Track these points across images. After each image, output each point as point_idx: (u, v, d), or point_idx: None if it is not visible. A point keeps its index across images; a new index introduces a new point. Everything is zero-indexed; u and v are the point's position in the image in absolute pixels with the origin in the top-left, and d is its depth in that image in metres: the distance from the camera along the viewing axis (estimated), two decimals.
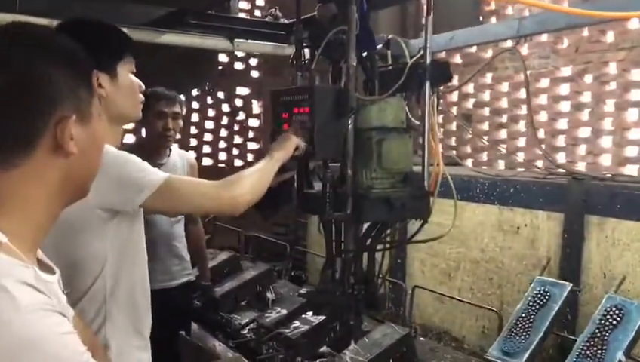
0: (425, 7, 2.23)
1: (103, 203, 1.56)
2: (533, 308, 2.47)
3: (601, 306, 2.31)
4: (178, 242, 3.23)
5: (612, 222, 2.77)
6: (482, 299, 3.41)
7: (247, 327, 3.38)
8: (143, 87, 1.76)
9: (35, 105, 0.90)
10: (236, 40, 3.73)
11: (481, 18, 5.83)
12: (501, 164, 5.81)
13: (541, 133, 5.35)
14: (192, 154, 3.51)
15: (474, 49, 5.97)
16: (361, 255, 2.32)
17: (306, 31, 2.37)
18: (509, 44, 5.48)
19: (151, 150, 3.17)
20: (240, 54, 7.40)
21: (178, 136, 3.20)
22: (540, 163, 4.77)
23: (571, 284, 2.52)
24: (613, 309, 2.23)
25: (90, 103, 0.99)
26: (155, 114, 3.11)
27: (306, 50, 2.38)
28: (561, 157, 5.13)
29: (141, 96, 1.78)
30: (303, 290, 3.36)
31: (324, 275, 2.43)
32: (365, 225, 2.34)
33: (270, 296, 3.71)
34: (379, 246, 2.25)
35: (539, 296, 2.50)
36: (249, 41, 3.79)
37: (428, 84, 2.14)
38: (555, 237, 3.02)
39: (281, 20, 3.66)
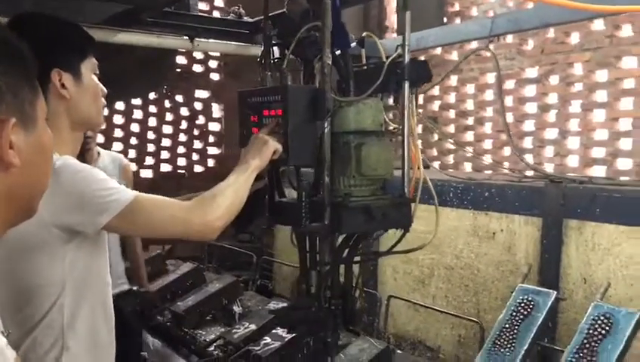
0: (396, 4, 2.10)
1: (60, 221, 1.39)
2: (517, 318, 2.37)
3: (587, 314, 2.21)
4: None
5: (592, 225, 2.69)
6: (458, 306, 3.31)
7: (214, 344, 3.20)
8: (105, 91, 1.59)
9: None
10: (197, 39, 3.54)
11: (445, 19, 5.77)
12: (467, 167, 5.76)
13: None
14: (123, 155, 3.45)
15: (439, 50, 5.91)
16: (337, 268, 2.17)
17: (274, 28, 2.21)
18: (474, 45, 5.45)
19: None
20: (199, 56, 7.19)
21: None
22: (507, 165, 4.71)
23: (555, 292, 2.42)
24: (601, 318, 2.14)
25: (35, 105, 0.81)
26: None
27: (275, 49, 2.22)
28: (528, 159, 5.09)
29: (104, 101, 1.60)
30: (272, 305, 3.21)
31: (298, 290, 2.27)
32: (341, 236, 2.20)
33: (237, 309, 3.53)
34: (358, 258, 2.10)
35: (522, 305, 2.40)
36: (210, 40, 3.60)
37: (407, 85, 2.02)
38: (532, 243, 2.93)
39: (245, 18, 3.48)
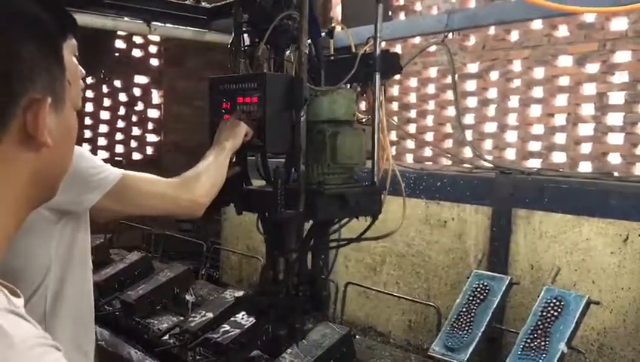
0: None
1: (51, 202, 1.35)
2: (474, 302, 2.48)
3: (540, 298, 2.35)
4: None
5: (539, 214, 2.84)
6: (408, 292, 3.41)
7: (169, 333, 3.16)
8: (84, 73, 1.56)
9: None
10: (153, 23, 3.46)
11: (390, 13, 5.86)
12: (409, 158, 5.90)
13: (449, 128, 5.49)
14: None
15: (383, 44, 6.00)
16: (305, 254, 2.21)
17: (244, 14, 2.20)
18: (417, 40, 5.58)
19: None
20: (138, 41, 7.00)
21: None
22: (450, 156, 4.87)
23: (510, 277, 2.55)
24: (553, 301, 2.27)
25: (64, 85, 0.79)
26: None
27: (245, 36, 2.22)
28: (468, 151, 5.27)
29: (82, 84, 1.57)
30: (229, 293, 3.19)
31: (264, 276, 2.29)
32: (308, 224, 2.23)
33: (190, 298, 3.50)
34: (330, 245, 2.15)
35: (478, 289, 2.51)
36: (168, 25, 3.52)
37: (378, 76, 2.07)
38: (482, 231, 3.06)
39: (203, 4, 3.43)
